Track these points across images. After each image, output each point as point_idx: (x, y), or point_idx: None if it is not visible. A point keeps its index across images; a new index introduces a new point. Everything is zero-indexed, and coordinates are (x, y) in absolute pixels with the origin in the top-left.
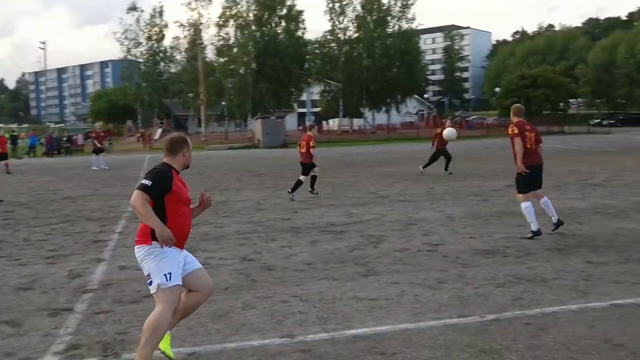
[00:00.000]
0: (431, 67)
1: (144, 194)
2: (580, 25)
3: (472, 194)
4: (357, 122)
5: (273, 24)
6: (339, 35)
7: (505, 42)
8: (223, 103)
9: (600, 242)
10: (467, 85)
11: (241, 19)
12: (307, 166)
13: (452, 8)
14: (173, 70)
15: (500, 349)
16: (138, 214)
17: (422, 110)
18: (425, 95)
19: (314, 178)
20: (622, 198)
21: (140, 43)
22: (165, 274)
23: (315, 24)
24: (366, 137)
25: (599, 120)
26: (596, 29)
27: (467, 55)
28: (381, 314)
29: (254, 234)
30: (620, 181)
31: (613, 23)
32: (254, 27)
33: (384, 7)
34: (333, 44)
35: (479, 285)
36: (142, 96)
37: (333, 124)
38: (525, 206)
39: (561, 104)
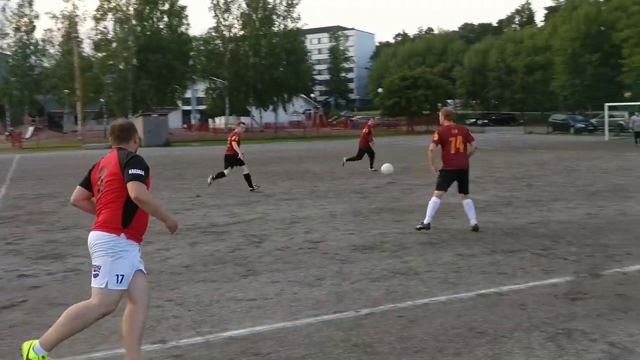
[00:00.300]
0: (317, 67)
1: (143, 184)
2: (457, 29)
3: (355, 191)
4: (244, 121)
5: (155, 19)
6: (224, 33)
7: (388, 44)
8: (102, 100)
9: (470, 236)
10: (352, 85)
11: (120, 13)
12: (231, 159)
13: (337, 9)
14: (46, 64)
15: (373, 342)
16: (146, 206)
17: (309, 110)
18: (312, 95)
19: (247, 177)
20: (491, 193)
21: (7, 34)
22: (117, 275)
23: (200, 20)
24: (254, 136)
25: (474, 120)
26: (471, 33)
27: (352, 56)
28: (259, 314)
29: None
30: (491, 177)
31: (485, 29)
32: (134, 22)
33: (270, 6)
34: (218, 41)
35: (355, 280)
36: (10, 92)
37: (219, 122)
38: (432, 201)
39: (439, 104)
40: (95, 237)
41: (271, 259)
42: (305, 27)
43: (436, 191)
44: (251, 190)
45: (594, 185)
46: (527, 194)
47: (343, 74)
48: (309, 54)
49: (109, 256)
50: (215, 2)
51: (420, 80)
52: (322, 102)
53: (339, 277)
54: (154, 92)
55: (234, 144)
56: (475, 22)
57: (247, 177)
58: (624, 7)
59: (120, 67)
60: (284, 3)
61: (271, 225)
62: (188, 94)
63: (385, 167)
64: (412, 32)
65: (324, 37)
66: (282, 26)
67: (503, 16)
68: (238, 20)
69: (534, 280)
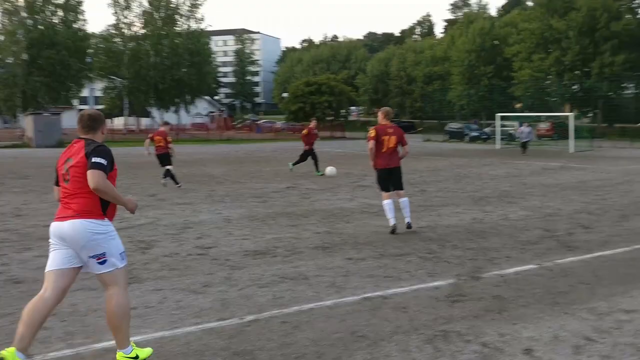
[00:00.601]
0: (222, 69)
1: (103, 173)
2: (362, 37)
3: (253, 195)
4: (144, 122)
5: (48, 13)
6: (124, 31)
7: (294, 49)
8: None
9: (361, 240)
10: (258, 89)
11: (8, 4)
12: (163, 156)
13: (244, 12)
14: None
15: (254, 350)
16: (104, 195)
17: (213, 112)
18: (217, 97)
19: (168, 172)
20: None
21: None
22: (120, 253)
23: (99, 17)
24: None
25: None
26: (375, 42)
27: (257, 60)
28: (138, 323)
29: (6, 243)
30: None
31: (389, 38)
32: (24, 14)
33: (172, 5)
34: (118, 39)
35: (243, 286)
36: None
37: (118, 122)
38: (385, 203)
39: (342, 110)
40: (80, 227)
41: (157, 266)
42: (209, 29)
43: (383, 193)
44: (178, 186)
45: (482, 191)
46: (420, 199)
47: (249, 78)
48: (213, 55)
49: (110, 239)
50: None
51: (325, 87)
52: (227, 105)
53: (226, 284)
54: (46, 89)
55: (169, 144)
56: (379, 32)
57: (170, 173)
58: (515, 24)
59: (9, 61)
60: (187, 3)
61: (161, 231)
62: (85, 93)
63: (330, 170)
64: (318, 38)
65: (230, 39)
66: (185, 26)
67: (406, 27)
68: (139, 19)
69: (418, 283)
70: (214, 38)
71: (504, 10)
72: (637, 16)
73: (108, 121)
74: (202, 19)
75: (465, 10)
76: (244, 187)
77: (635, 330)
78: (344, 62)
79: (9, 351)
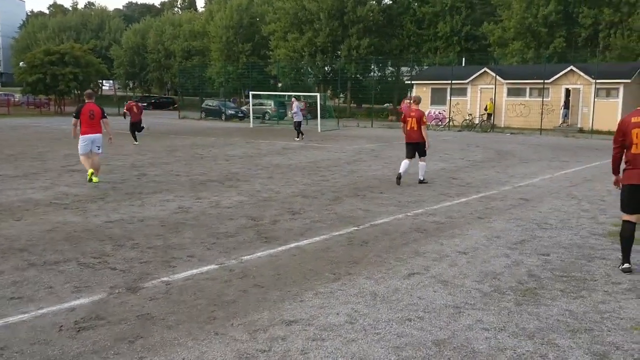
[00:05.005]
0: None
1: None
2: (121, 7)
3: None
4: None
5: None
6: None
7: (42, 14)
8: None
9: (22, 242)
10: None
11: None
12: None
13: None
14: None
15: None
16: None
17: None
18: None
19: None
20: (92, 185)
21: None
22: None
23: None
24: None
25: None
26: (135, 12)
27: None
28: None
29: None
30: (105, 167)
31: (149, 9)
32: None
33: None
34: None
35: None
36: None
37: None
38: (403, 162)
39: (92, 84)
40: (99, 136)
41: None
42: None
43: (405, 159)
44: None
45: (208, 174)
46: (131, 185)
47: None
48: None
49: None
50: None
51: (68, 57)
52: None
53: None
54: None
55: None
56: (140, 2)
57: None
58: (271, 2)
59: None
60: None
61: None
62: None
63: None
64: (68, 3)
65: None
66: None
67: None
68: None
69: (49, 305)
70: None
71: None
72: (383, 3)
73: None
74: None
75: None
76: None
77: (283, 353)
78: (96, 31)
79: None
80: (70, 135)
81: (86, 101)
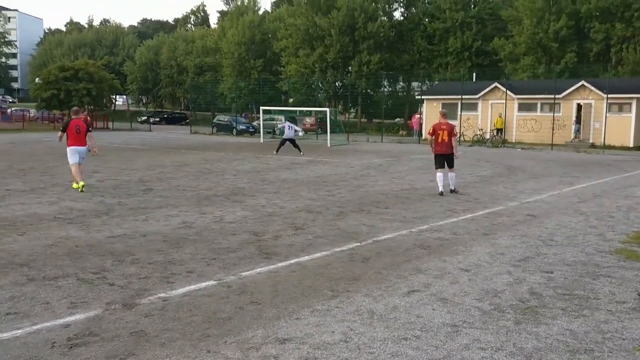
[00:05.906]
0: None
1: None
2: (135, 24)
3: None
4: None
5: None
6: None
7: (59, 31)
8: None
9: (23, 257)
10: (16, 73)
11: None
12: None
13: None
14: None
15: None
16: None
17: None
18: None
19: None
20: (97, 200)
21: None
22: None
23: None
24: None
25: (146, 117)
26: (149, 29)
27: (13, 41)
28: None
29: None
30: (114, 181)
31: (163, 26)
32: None
33: None
34: None
35: None
36: None
37: None
38: (438, 175)
39: (105, 99)
40: (84, 148)
41: None
42: None
43: (437, 170)
44: None
45: (214, 189)
46: (136, 200)
47: (4, 60)
48: None
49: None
50: None
51: (82, 72)
52: None
53: None
54: None
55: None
56: (154, 19)
57: None
58: (283, 19)
59: None
60: None
61: None
62: None
63: None
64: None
65: None
66: None
67: (180, 15)
68: None
69: (45, 320)
70: None
71: (276, 5)
72: (394, 19)
73: None
74: None
75: (238, 2)
76: None
77: None
78: (111, 47)
79: None
80: None
81: (72, 117)
